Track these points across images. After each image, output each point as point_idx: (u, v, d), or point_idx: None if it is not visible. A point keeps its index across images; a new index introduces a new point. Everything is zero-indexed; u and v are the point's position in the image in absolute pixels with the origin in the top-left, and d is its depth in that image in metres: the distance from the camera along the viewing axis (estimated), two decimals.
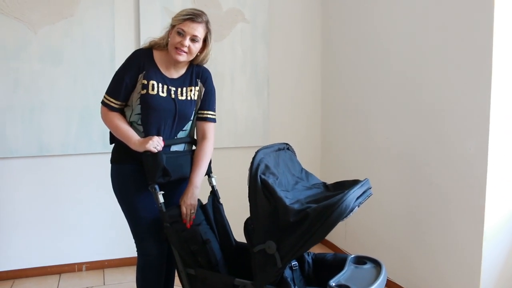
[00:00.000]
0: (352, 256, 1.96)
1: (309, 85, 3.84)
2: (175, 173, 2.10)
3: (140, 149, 2.03)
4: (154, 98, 2.08)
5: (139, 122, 2.11)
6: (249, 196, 1.76)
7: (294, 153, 2.15)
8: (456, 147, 2.45)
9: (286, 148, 2.08)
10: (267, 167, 1.79)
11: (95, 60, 3.18)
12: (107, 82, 3.12)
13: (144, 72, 2.09)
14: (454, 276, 2.49)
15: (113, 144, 2.23)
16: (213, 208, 2.27)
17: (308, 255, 2.05)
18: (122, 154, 2.15)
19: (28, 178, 3.16)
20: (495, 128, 2.27)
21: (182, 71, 2.20)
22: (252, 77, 3.58)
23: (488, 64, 2.24)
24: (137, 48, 3.23)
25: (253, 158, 1.79)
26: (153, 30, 2.90)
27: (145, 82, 2.08)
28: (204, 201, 2.29)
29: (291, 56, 3.77)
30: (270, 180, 1.73)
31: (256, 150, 1.85)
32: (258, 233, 1.72)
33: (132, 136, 2.07)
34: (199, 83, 2.23)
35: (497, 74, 2.24)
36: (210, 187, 2.32)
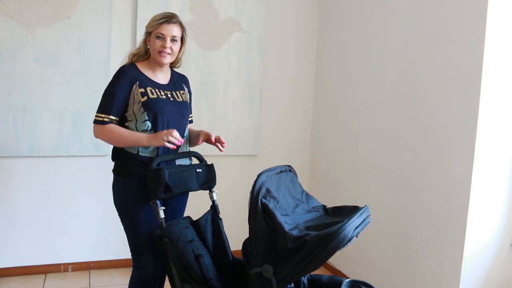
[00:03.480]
0: (348, 280, 1.99)
1: (302, 97, 3.89)
2: (178, 188, 2.11)
3: (155, 143, 2.03)
4: (157, 101, 2.13)
5: (149, 128, 2.13)
6: (249, 219, 1.78)
7: (296, 175, 2.17)
8: (442, 171, 2.51)
9: (288, 170, 2.10)
10: (268, 190, 1.81)
11: (90, 63, 3.19)
12: (101, 85, 3.14)
13: (137, 82, 2.13)
14: None
15: (117, 158, 2.22)
16: (212, 222, 2.28)
17: (304, 276, 2.08)
18: (128, 168, 2.14)
19: (17, 178, 3.16)
20: (479, 156, 2.33)
21: (168, 76, 2.28)
22: (245, 86, 3.62)
23: (476, 95, 2.30)
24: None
25: (255, 181, 1.81)
26: None
27: (143, 90, 2.12)
28: (198, 215, 2.28)
29: (285, 67, 3.81)
30: (271, 204, 1.75)
31: (258, 173, 1.86)
32: (256, 256, 1.74)
33: (141, 136, 2.07)
34: (184, 87, 2.34)
35: (484, 105, 2.30)
36: (211, 201, 2.32)
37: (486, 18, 2.24)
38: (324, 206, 2.05)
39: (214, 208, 2.32)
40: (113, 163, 2.25)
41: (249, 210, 1.77)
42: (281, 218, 1.71)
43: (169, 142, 2.02)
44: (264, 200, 1.75)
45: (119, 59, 3.20)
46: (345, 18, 3.44)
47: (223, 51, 3.52)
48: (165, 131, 2.04)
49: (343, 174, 3.45)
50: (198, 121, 3.47)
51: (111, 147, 2.24)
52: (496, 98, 2.33)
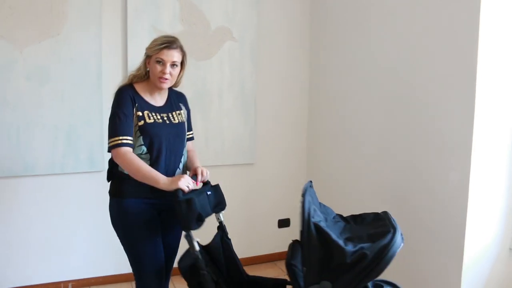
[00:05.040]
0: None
1: (296, 104, 3.88)
2: (205, 215, 2.07)
3: (170, 188, 1.98)
4: (153, 126, 2.12)
5: (144, 152, 2.11)
6: (301, 240, 1.82)
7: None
8: (440, 178, 2.51)
9: (310, 185, 2.12)
10: (314, 210, 1.89)
11: (82, 79, 3.15)
12: (94, 101, 3.17)
13: (136, 104, 2.12)
14: None
15: (112, 179, 2.21)
16: (222, 244, 2.27)
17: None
18: (123, 189, 2.13)
19: (12, 198, 3.13)
20: (476, 163, 2.34)
21: (165, 96, 2.26)
22: (239, 95, 3.60)
23: (471, 101, 2.30)
24: (124, 67, 3.25)
25: (303, 203, 1.84)
26: (141, 49, 2.84)
27: (140, 113, 2.11)
28: (208, 239, 2.26)
29: (279, 74, 3.79)
30: (322, 223, 1.83)
31: (302, 192, 1.91)
32: (311, 275, 1.78)
33: (159, 176, 2.01)
34: (181, 106, 2.33)
35: (480, 112, 2.31)
36: (218, 223, 2.30)
37: (479, 21, 2.25)
38: (341, 215, 2.12)
39: (222, 229, 2.30)
40: (108, 183, 2.24)
41: (302, 231, 1.81)
42: (335, 236, 1.77)
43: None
44: (313, 220, 1.81)
45: (111, 74, 3.21)
46: (338, 23, 3.43)
47: (216, 61, 3.49)
48: (181, 180, 1.99)
49: (339, 181, 3.45)
50: (194, 133, 3.46)
51: (107, 162, 2.24)
52: (492, 105, 2.34)
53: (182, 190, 1.97)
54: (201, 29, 3.42)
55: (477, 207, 2.38)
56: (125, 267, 3.42)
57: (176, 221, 2.20)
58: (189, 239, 1.99)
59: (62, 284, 3.30)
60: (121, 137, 2.03)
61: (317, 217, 1.87)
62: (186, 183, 1.99)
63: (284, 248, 3.91)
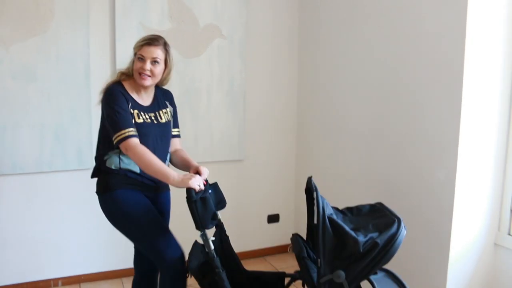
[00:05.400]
0: None
1: (285, 100, 3.89)
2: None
3: (181, 186, 1.98)
4: (142, 126, 2.14)
5: None
6: (316, 233, 1.90)
7: None
8: (427, 175, 2.56)
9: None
10: (326, 204, 1.99)
11: (69, 77, 3.13)
12: (82, 99, 3.15)
13: (129, 102, 2.14)
14: None
15: (98, 176, 2.22)
16: (221, 241, 2.30)
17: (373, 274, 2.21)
18: (116, 181, 2.13)
19: (1, 196, 3.12)
20: (462, 160, 2.39)
21: (152, 95, 2.27)
22: (228, 92, 3.60)
23: (458, 98, 2.34)
24: (113, 65, 3.24)
25: (317, 197, 1.93)
26: (129, 46, 2.83)
27: (131, 112, 2.13)
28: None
29: (268, 71, 3.80)
30: (334, 217, 1.93)
31: (309, 187, 2.04)
32: (325, 266, 1.87)
33: (170, 172, 2.00)
34: (167, 104, 2.34)
35: (466, 109, 2.35)
36: (216, 221, 2.29)
37: (466, 18, 2.28)
38: (337, 208, 2.20)
39: (220, 227, 2.33)
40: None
41: (316, 226, 1.89)
42: (348, 228, 1.87)
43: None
44: (327, 214, 1.90)
45: (99, 72, 3.20)
46: (326, 20, 3.44)
47: (205, 58, 3.49)
48: (193, 179, 1.98)
49: (328, 177, 3.48)
50: (183, 130, 3.44)
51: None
52: (478, 103, 2.38)
53: (194, 190, 1.97)
54: (190, 27, 3.41)
55: (464, 203, 2.43)
56: (115, 264, 3.47)
57: (165, 215, 2.24)
58: (205, 238, 2.00)
59: (52, 282, 3.30)
60: (127, 130, 2.04)
61: (328, 210, 1.97)
62: (197, 182, 1.98)
63: (273, 243, 3.99)
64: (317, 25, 3.56)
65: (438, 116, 2.47)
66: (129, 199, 2.13)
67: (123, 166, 2.15)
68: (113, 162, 2.15)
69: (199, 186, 1.99)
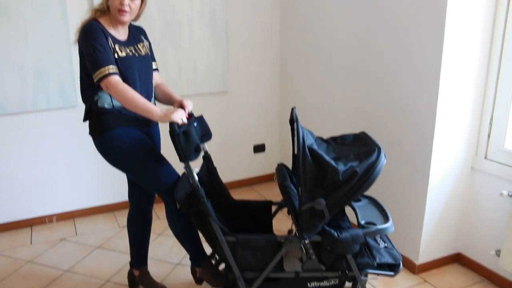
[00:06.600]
0: None
1: (268, 31, 3.82)
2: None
3: (164, 120, 1.98)
4: (126, 59, 2.12)
5: None
6: (296, 163, 1.96)
7: None
8: (409, 102, 2.60)
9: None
10: (306, 134, 2.04)
11: (45, 16, 3.01)
12: (60, 37, 3.07)
13: (109, 38, 2.09)
14: (401, 222, 2.76)
15: (91, 118, 2.20)
16: (209, 172, 2.35)
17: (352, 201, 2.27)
18: (110, 121, 2.14)
19: None
20: (444, 87, 2.42)
21: (127, 31, 2.24)
22: (210, 23, 3.52)
23: (440, 27, 2.33)
24: (89, 2, 3.10)
25: (297, 128, 1.94)
26: None
27: (112, 47, 2.09)
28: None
29: (249, 2, 3.69)
30: (314, 146, 1.97)
31: (292, 118, 2.04)
32: (306, 194, 1.92)
33: (153, 108, 1.99)
34: (143, 38, 2.31)
35: (449, 36, 2.34)
36: (203, 152, 2.35)
37: None
38: (321, 138, 2.24)
39: (208, 159, 2.38)
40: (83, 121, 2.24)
41: (297, 156, 1.92)
42: (327, 158, 1.90)
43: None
44: (307, 144, 1.93)
45: (75, 8, 3.08)
46: None
47: None
48: (175, 113, 1.97)
49: (313, 108, 3.51)
50: (165, 64, 3.42)
51: (79, 97, 2.24)
52: (461, 31, 2.37)
53: (177, 123, 1.99)
54: None
55: (444, 130, 2.50)
56: (107, 198, 3.56)
57: (153, 129, 2.32)
58: (189, 170, 2.05)
59: (46, 218, 3.40)
60: (107, 67, 2.01)
61: (309, 140, 2.00)
62: (180, 116, 2.00)
63: (260, 172, 4.10)
64: None
65: (420, 45, 2.47)
66: (128, 137, 2.16)
67: (116, 103, 2.14)
68: (106, 101, 2.13)
69: (182, 119, 2.01)
